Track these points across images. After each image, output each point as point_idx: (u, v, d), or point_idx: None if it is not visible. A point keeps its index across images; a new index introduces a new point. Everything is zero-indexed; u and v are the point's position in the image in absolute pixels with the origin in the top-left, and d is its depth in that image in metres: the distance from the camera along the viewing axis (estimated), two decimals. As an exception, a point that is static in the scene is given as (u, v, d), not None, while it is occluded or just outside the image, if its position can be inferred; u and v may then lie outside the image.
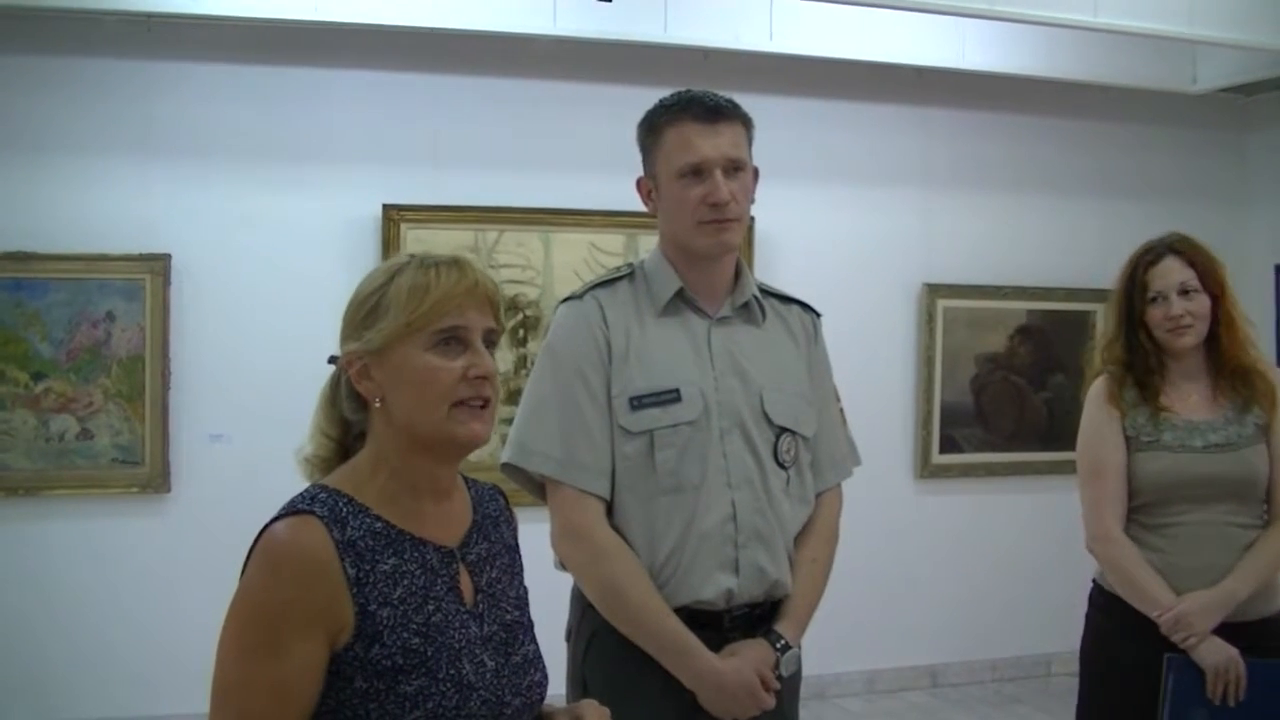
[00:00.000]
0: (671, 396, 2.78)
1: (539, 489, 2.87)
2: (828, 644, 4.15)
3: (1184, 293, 3.45)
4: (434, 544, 2.00)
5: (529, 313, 6.26)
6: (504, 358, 6.21)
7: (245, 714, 1.83)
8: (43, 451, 5.66)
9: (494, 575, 2.10)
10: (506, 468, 2.87)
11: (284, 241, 5.85)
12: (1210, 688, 3.29)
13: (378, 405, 1.99)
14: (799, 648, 2.84)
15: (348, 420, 2.07)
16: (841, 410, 3.11)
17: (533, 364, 3.13)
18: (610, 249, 6.30)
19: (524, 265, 6.26)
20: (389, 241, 5.98)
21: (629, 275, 2.93)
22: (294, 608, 1.83)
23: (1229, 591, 3.33)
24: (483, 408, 1.99)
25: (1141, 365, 3.52)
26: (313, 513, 1.90)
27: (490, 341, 2.03)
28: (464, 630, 1.97)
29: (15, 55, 5.67)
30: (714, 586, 2.76)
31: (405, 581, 1.93)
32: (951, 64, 6.53)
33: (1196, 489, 3.41)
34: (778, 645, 2.79)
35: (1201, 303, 3.46)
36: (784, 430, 2.86)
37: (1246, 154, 7.61)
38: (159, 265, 5.74)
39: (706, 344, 2.86)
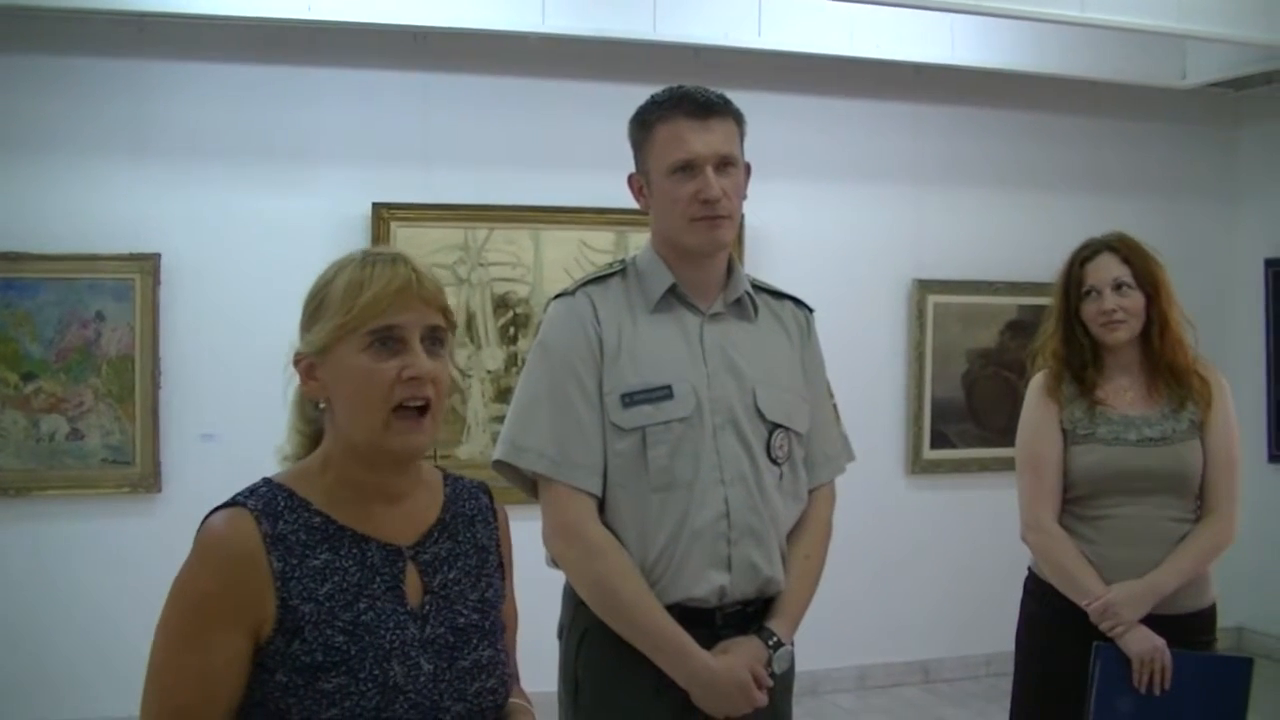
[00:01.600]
0: (664, 393, 2.77)
1: (531, 486, 2.86)
2: (820, 640, 4.15)
3: (1118, 288, 3.51)
4: (379, 541, 1.97)
5: (519, 310, 6.26)
6: (494, 355, 6.22)
7: (169, 699, 1.84)
8: (33, 452, 5.65)
9: (452, 576, 2.04)
10: (498, 465, 2.85)
11: (274, 241, 5.84)
12: (1136, 676, 3.36)
13: (322, 407, 1.98)
14: (792, 645, 2.84)
15: (313, 418, 2.07)
16: (835, 406, 3.11)
17: (523, 362, 3.12)
18: (600, 246, 6.30)
19: (514, 263, 6.26)
20: (379, 240, 5.97)
21: (621, 272, 2.93)
22: (218, 599, 1.84)
23: (1156, 583, 3.40)
24: (422, 411, 1.94)
25: (1078, 359, 3.60)
26: (245, 506, 1.90)
27: (436, 340, 1.98)
28: (399, 631, 1.93)
29: (4, 54, 5.65)
30: (706, 584, 2.76)
31: (336, 578, 1.90)
32: (941, 60, 6.54)
33: (1130, 482, 3.47)
34: (770, 642, 2.79)
35: (1135, 299, 3.52)
36: (777, 426, 2.86)
37: (1236, 149, 7.63)
38: (149, 265, 5.73)
39: (699, 340, 2.86)
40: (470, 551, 2.10)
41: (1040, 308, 6.92)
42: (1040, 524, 3.56)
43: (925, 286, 6.91)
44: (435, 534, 2.06)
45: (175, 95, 5.83)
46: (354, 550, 1.94)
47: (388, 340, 1.92)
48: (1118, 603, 3.37)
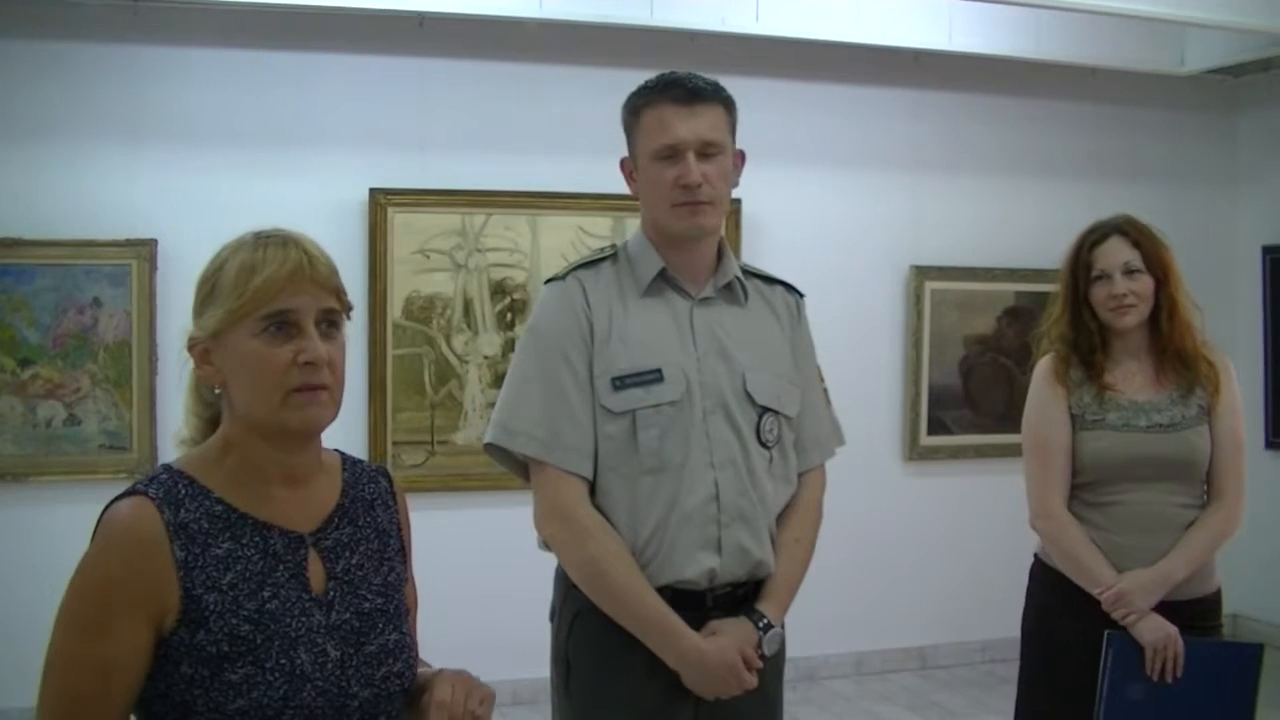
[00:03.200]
0: (654, 376, 2.78)
1: (523, 470, 2.87)
2: (816, 626, 4.16)
3: (1128, 272, 3.49)
4: (280, 529, 1.94)
5: (516, 296, 6.26)
6: (491, 341, 6.22)
7: (67, 689, 1.82)
8: (30, 438, 5.66)
9: (355, 561, 2.01)
10: (490, 448, 2.87)
11: (270, 226, 5.83)
12: (1148, 664, 3.36)
13: (218, 392, 1.96)
14: (782, 627, 2.85)
15: (210, 401, 2.03)
16: (825, 390, 3.11)
17: (517, 346, 3.13)
18: (597, 232, 6.30)
19: (511, 249, 6.25)
20: (376, 225, 5.97)
21: (612, 256, 2.94)
22: (119, 587, 1.81)
23: (1168, 570, 3.40)
24: (320, 391, 1.91)
25: (1086, 344, 3.57)
26: (146, 494, 1.87)
27: (331, 322, 1.94)
28: (305, 619, 1.90)
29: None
30: (696, 566, 2.76)
31: (239, 567, 1.87)
32: (939, 46, 6.53)
33: (1139, 468, 3.46)
34: (760, 624, 2.80)
35: (1145, 283, 3.50)
36: (766, 410, 2.86)
37: (1235, 135, 7.62)
38: (145, 251, 5.73)
39: (689, 324, 2.87)
40: (371, 536, 2.07)
41: (1038, 294, 7.00)
42: (1050, 511, 3.53)
43: (923, 273, 6.91)
44: (336, 519, 2.02)
45: (171, 80, 5.83)
46: (256, 538, 1.90)
47: (282, 325, 1.88)
48: (1130, 591, 3.37)
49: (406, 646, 2.03)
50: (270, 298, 1.87)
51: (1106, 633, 3.37)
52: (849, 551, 5.49)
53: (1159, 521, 3.45)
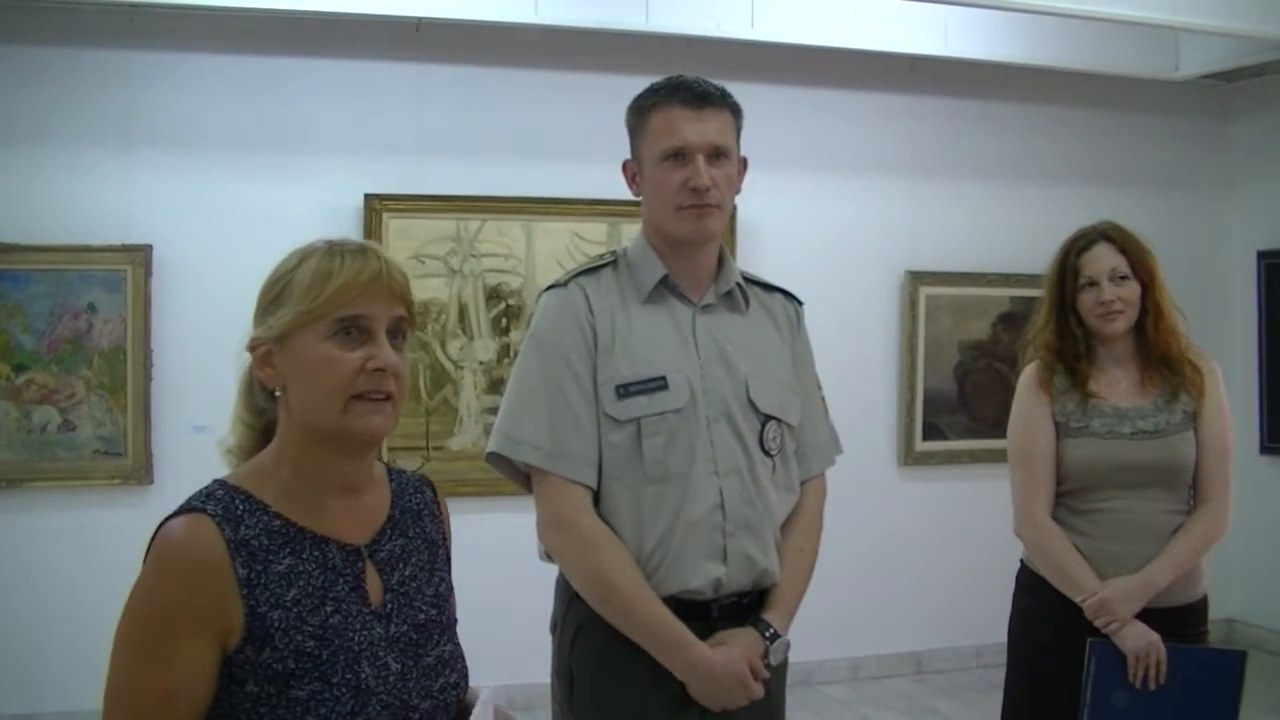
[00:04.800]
0: (658, 384, 2.77)
1: (525, 479, 2.85)
2: (812, 631, 4.14)
3: (1116, 279, 3.49)
4: (338, 542, 1.93)
5: (511, 302, 6.26)
6: (487, 347, 6.22)
7: (133, 718, 1.78)
8: (25, 443, 5.65)
9: (408, 573, 2.02)
10: (492, 458, 2.84)
11: (266, 232, 5.77)
12: (1131, 671, 3.36)
13: (278, 395, 1.93)
14: (787, 637, 2.84)
15: (263, 409, 2.01)
16: (823, 399, 3.11)
17: (516, 353, 3.11)
18: (593, 238, 6.30)
19: (506, 254, 6.25)
20: (371, 231, 5.97)
21: (613, 263, 2.92)
22: (181, 609, 1.78)
23: (1151, 578, 3.40)
24: (384, 401, 1.90)
25: (1071, 351, 3.57)
26: (205, 511, 1.84)
27: (399, 332, 1.94)
28: (366, 632, 1.90)
29: (-5, 45, 5.65)
30: (702, 575, 2.75)
31: (301, 582, 1.86)
32: (935, 52, 6.53)
33: (1124, 475, 3.46)
34: (767, 634, 2.79)
35: (1132, 289, 3.50)
36: (770, 418, 2.86)
37: (1229, 140, 7.63)
38: (140, 256, 5.72)
39: (691, 332, 2.86)
40: (421, 547, 2.07)
41: (1033, 300, 6.90)
42: (1034, 518, 3.54)
43: (918, 278, 6.91)
44: (388, 531, 2.02)
45: (167, 86, 5.82)
46: (315, 553, 1.89)
47: (353, 330, 1.88)
48: (1113, 599, 3.37)
49: (460, 657, 2.04)
50: (347, 302, 1.87)
51: (1089, 640, 3.38)
52: (844, 557, 5.46)
53: (1144, 528, 3.45)
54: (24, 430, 5.64)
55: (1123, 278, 3.49)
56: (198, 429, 5.75)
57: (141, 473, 5.73)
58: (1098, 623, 3.38)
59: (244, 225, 5.84)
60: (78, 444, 5.71)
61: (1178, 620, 3.44)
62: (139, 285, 5.72)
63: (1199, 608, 3.55)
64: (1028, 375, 3.65)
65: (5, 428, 5.62)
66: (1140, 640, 3.35)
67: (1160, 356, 3.53)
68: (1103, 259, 3.51)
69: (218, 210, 5.82)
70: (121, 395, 5.74)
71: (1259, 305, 7.31)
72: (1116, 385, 3.55)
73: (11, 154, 5.66)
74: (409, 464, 6.00)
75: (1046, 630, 3.54)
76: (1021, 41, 6.60)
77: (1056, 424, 3.55)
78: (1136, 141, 7.39)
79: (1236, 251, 7.47)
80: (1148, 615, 3.38)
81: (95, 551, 5.64)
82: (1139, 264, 3.50)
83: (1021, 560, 3.71)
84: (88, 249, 5.66)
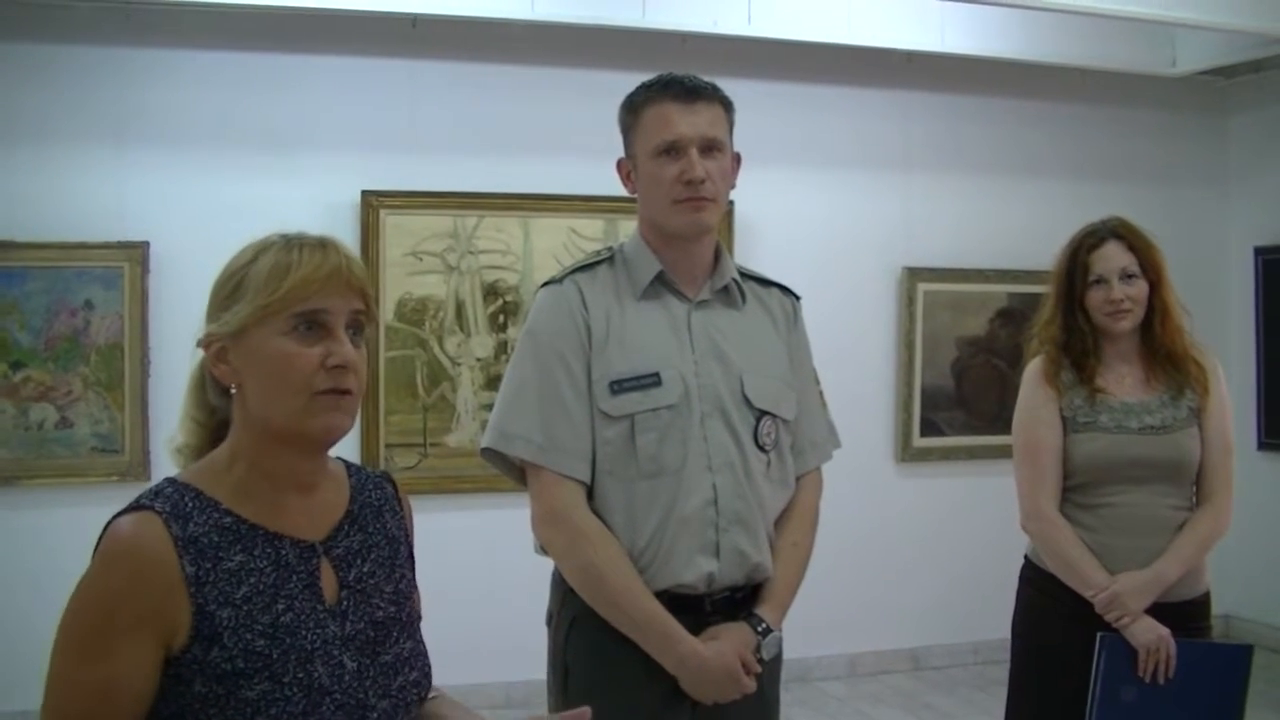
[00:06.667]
0: (652, 380, 2.78)
1: (519, 474, 2.86)
2: (809, 627, 4.15)
3: (1125, 277, 3.50)
4: (292, 539, 1.88)
5: (509, 298, 6.26)
6: (484, 343, 6.22)
7: (67, 711, 1.76)
8: (22, 440, 5.65)
9: (367, 569, 1.96)
10: (486, 453, 2.85)
11: (263, 229, 5.72)
12: (1141, 666, 3.36)
13: (233, 392, 1.89)
14: (780, 631, 2.85)
15: (216, 406, 1.97)
16: (821, 393, 3.11)
17: (513, 349, 3.12)
18: (590, 234, 6.30)
19: (503, 251, 6.25)
20: (368, 228, 5.97)
21: (609, 259, 2.93)
22: (123, 607, 1.74)
23: (1161, 573, 3.40)
24: (344, 398, 1.86)
25: (1078, 347, 3.57)
26: (152, 508, 1.80)
27: (357, 326, 1.90)
28: (320, 630, 1.85)
29: (-9, 42, 5.64)
30: (695, 570, 2.76)
31: (252, 580, 1.81)
32: (932, 47, 6.53)
33: (1131, 470, 3.46)
34: (759, 629, 2.80)
35: (1141, 288, 3.51)
36: (764, 413, 2.86)
37: (1226, 136, 7.64)
38: (137, 253, 5.72)
39: (686, 327, 2.86)
40: (381, 543, 2.02)
41: (1030, 296, 6.97)
42: (1041, 513, 3.53)
43: (915, 274, 6.91)
44: (345, 527, 1.97)
45: (163, 83, 5.82)
46: (267, 550, 1.85)
47: (312, 325, 1.84)
48: (1124, 594, 3.37)
49: (421, 655, 1.99)
50: (306, 296, 1.83)
51: (1099, 635, 3.38)
52: (842, 553, 5.47)
53: (1151, 523, 3.46)
54: (21, 427, 5.64)
55: (1131, 276, 3.49)
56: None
57: (138, 469, 5.73)
58: (1109, 617, 3.38)
59: (241, 222, 5.72)
60: (75, 441, 5.71)
61: (1183, 615, 3.45)
62: (136, 282, 5.72)
63: (1202, 603, 3.56)
64: (1033, 370, 3.65)
65: (2, 425, 5.63)
66: (1151, 634, 3.35)
67: (1165, 354, 3.54)
68: (1113, 257, 3.51)
69: (214, 207, 5.81)
70: (118, 392, 5.74)
71: (1256, 301, 7.31)
72: (1122, 381, 3.55)
73: (7, 151, 5.65)
74: (406, 461, 6.02)
75: (1052, 625, 3.54)
76: (1018, 37, 6.60)
77: (1063, 419, 3.54)
78: (1134, 137, 7.39)
79: (1234, 248, 7.48)
80: (1153, 610, 3.38)
81: (92, 548, 5.63)
82: (1147, 262, 3.51)
83: (1026, 556, 3.70)
84: (84, 246, 5.67)
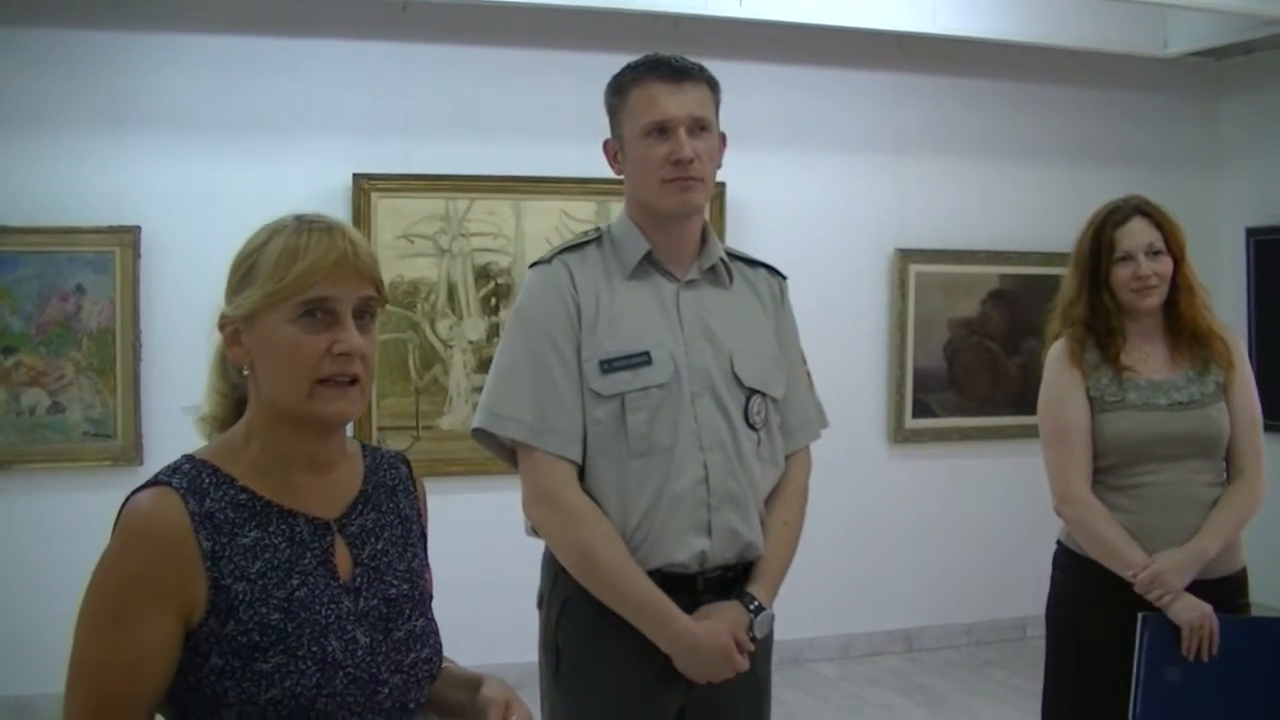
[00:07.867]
0: (642, 359, 2.78)
1: (510, 455, 2.87)
2: (802, 609, 4.16)
3: (1152, 253, 3.48)
4: (306, 516, 1.92)
5: (501, 281, 6.26)
6: (476, 326, 6.21)
7: (96, 689, 1.79)
8: (14, 425, 5.64)
9: (380, 548, 2.01)
10: (477, 433, 2.86)
11: (254, 213, 5.65)
12: (1185, 644, 3.33)
13: (246, 373, 1.93)
14: (772, 609, 2.86)
15: (236, 382, 2.02)
16: (808, 373, 3.11)
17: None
18: (582, 216, 6.29)
19: (495, 234, 6.25)
20: (360, 211, 5.96)
21: (597, 240, 2.93)
22: (145, 582, 1.78)
23: (1200, 549, 3.38)
24: (350, 385, 1.89)
25: (1103, 326, 3.54)
26: (169, 484, 1.84)
27: (367, 312, 1.92)
28: (334, 606, 1.89)
29: (-18, 26, 5.62)
30: (687, 549, 2.77)
31: (267, 555, 1.86)
32: (923, 29, 6.52)
33: (1163, 447, 3.44)
34: (751, 607, 2.81)
35: (1166, 264, 3.49)
36: (754, 392, 2.87)
37: (1218, 118, 7.64)
38: (128, 237, 5.71)
39: (675, 307, 2.87)
40: (395, 522, 2.06)
41: (1022, 277, 7.02)
42: (1075, 495, 3.49)
43: (907, 256, 6.91)
44: (360, 505, 2.02)
45: (154, 67, 5.80)
46: (282, 526, 1.89)
47: (318, 312, 1.86)
48: (1165, 572, 3.33)
49: (433, 632, 2.03)
50: (311, 284, 1.85)
51: (1141, 615, 3.34)
52: (834, 535, 5.48)
53: (1187, 500, 3.44)
54: (13, 413, 5.63)
55: (1158, 253, 3.48)
56: (186, 410, 5.76)
57: (131, 454, 5.72)
58: (1150, 596, 3.35)
59: (232, 206, 5.80)
60: (67, 426, 5.70)
61: (1222, 591, 3.43)
62: (127, 267, 5.71)
63: (1240, 578, 3.55)
64: (1057, 351, 3.61)
65: (-6, 410, 5.62)
66: (1194, 611, 3.32)
67: (1190, 330, 3.53)
68: (1139, 233, 3.48)
69: (206, 191, 5.80)
70: (110, 377, 5.73)
71: (1248, 282, 7.31)
72: (1148, 359, 3.53)
73: (-1, 135, 5.64)
74: (399, 443, 6.00)
75: (1088, 608, 3.52)
76: (1009, 19, 6.60)
77: (1090, 399, 3.51)
78: (1125, 119, 7.38)
79: (1226, 229, 7.47)
80: (1192, 587, 3.36)
81: (85, 533, 5.60)
82: (1172, 239, 3.50)
83: (1059, 541, 3.67)
84: (75, 230, 5.65)
